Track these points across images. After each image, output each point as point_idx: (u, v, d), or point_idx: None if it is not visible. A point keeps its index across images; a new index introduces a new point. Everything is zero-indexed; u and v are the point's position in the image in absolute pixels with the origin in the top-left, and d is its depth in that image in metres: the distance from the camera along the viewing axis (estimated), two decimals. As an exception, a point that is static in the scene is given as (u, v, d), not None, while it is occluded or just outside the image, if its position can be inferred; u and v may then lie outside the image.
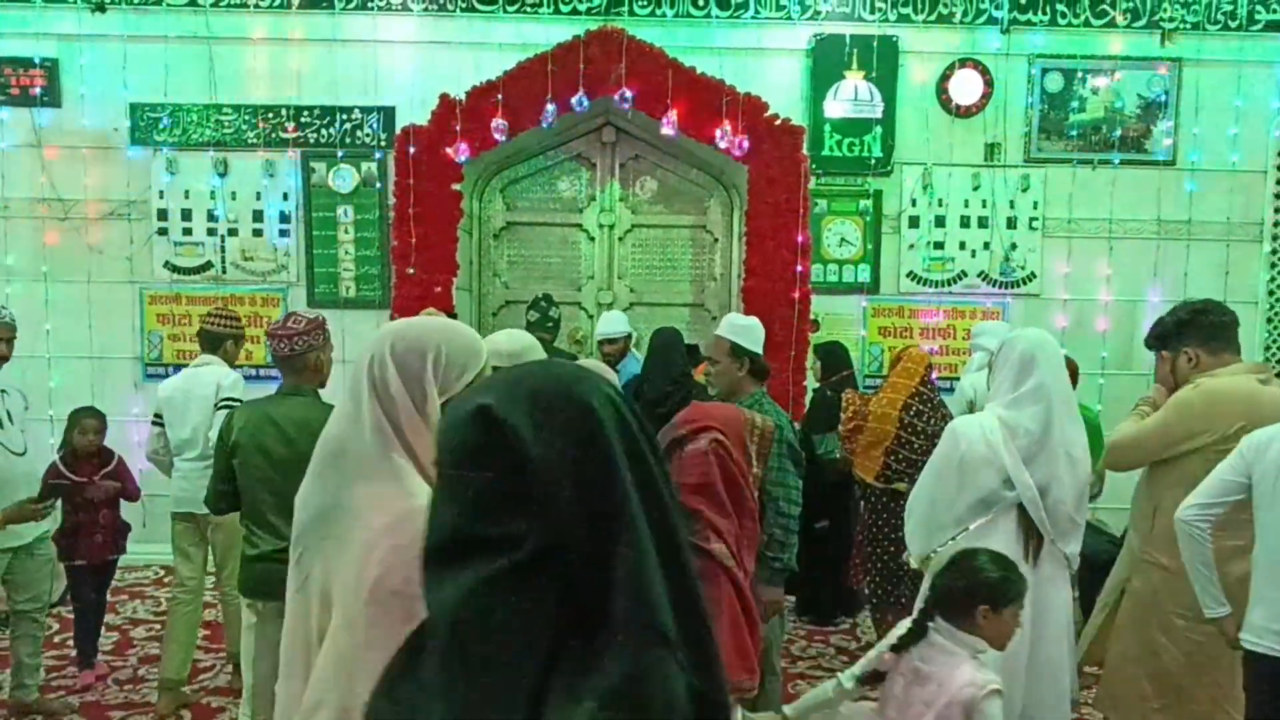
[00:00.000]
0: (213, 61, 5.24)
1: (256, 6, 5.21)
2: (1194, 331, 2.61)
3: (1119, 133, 5.42)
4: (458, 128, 5.02)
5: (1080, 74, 5.40)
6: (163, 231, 5.34)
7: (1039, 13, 5.34)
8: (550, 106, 5.02)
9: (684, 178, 5.74)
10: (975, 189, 5.46)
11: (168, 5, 5.21)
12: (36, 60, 5.21)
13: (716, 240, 5.76)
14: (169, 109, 5.25)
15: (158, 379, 5.38)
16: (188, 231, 5.36)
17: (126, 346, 5.42)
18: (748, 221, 5.30)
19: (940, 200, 5.47)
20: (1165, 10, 5.34)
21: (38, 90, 5.22)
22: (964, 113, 5.40)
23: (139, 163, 5.32)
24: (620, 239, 5.72)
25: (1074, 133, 5.43)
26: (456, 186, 5.12)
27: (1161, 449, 2.57)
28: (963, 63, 5.37)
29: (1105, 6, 5.37)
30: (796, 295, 5.27)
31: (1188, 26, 5.36)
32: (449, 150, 5.04)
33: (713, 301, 5.73)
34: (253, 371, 5.03)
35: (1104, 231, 5.44)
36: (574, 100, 5.01)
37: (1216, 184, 5.42)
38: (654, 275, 5.76)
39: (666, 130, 5.05)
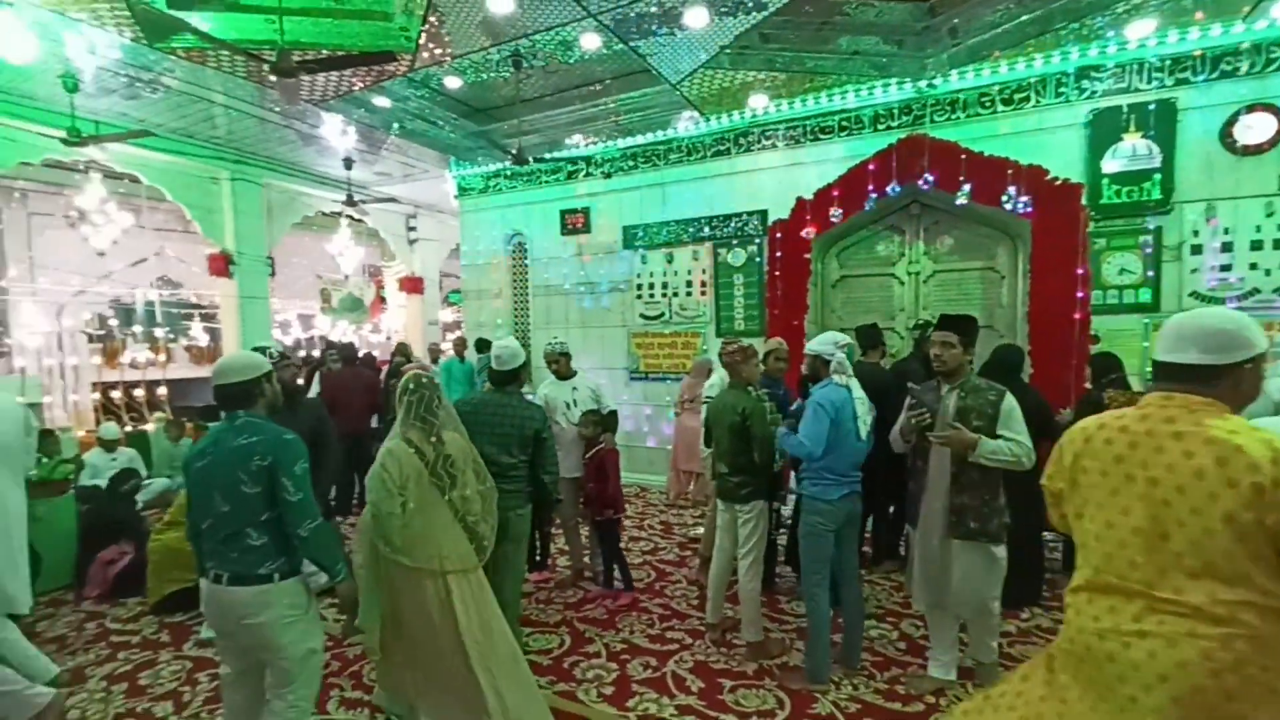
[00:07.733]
0: (664, 196, 8.58)
1: (696, 157, 8.44)
2: None
3: None
4: (808, 217, 7.49)
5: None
6: (639, 297, 8.80)
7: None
8: (872, 196, 7.15)
9: (975, 234, 6.95)
10: (1269, 215, 5.81)
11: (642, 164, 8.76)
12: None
13: (1003, 278, 6.85)
14: (642, 227, 8.70)
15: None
16: (652, 295, 8.71)
17: (619, 361, 8.97)
18: (1031, 262, 6.33)
19: (1226, 229, 5.88)
20: None
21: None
22: (1251, 151, 5.80)
23: (629, 259, 8.87)
24: (924, 281, 7.17)
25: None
26: (806, 255, 7.54)
27: None
28: (1250, 108, 5.83)
29: None
30: (1077, 316, 6.29)
31: None
32: (802, 233, 7.53)
33: (1000, 322, 6.87)
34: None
35: None
36: (889, 188, 7.02)
37: None
38: (951, 306, 6.99)
39: (960, 201, 6.59)
